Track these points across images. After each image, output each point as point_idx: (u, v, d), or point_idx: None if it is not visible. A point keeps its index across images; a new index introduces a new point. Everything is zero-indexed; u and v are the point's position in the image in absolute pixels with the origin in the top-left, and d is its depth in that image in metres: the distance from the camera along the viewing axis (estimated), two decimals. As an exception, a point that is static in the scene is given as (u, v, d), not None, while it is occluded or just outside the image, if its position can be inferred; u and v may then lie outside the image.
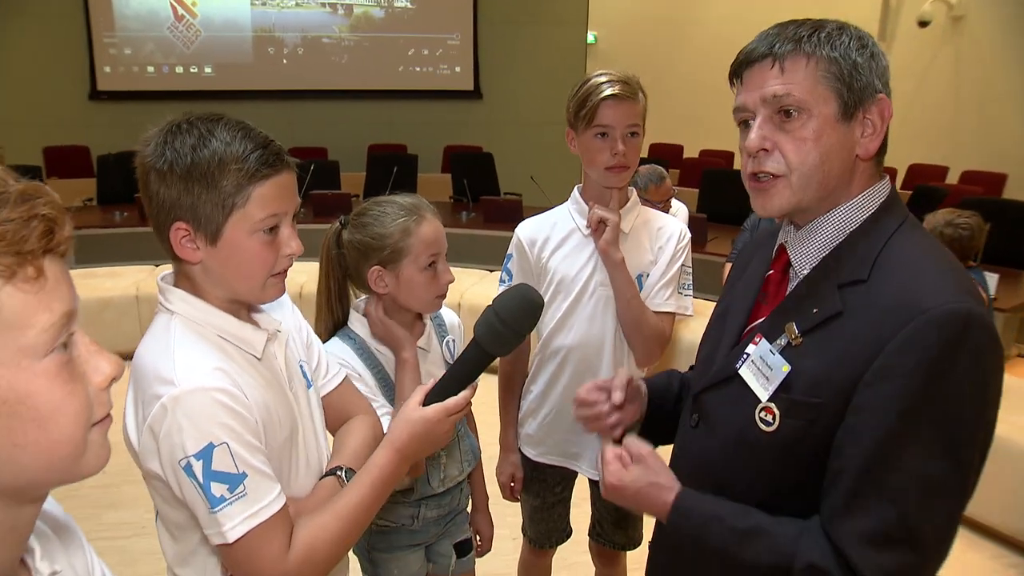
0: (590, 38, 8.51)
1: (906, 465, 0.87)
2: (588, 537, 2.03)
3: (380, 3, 7.61)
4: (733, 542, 0.97)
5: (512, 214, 5.51)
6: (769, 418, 0.99)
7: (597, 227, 1.68)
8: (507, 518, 2.16)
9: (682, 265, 1.77)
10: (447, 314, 1.67)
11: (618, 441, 1.24)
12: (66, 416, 0.57)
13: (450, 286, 1.52)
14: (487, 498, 1.81)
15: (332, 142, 7.36)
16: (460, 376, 1.11)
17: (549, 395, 1.83)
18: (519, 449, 1.92)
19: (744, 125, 1.02)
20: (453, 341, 1.64)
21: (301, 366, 1.19)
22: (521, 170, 6.41)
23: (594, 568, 2.12)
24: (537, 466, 1.90)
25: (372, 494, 1.07)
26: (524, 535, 2.03)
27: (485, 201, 5.87)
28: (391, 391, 1.50)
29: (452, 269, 1.54)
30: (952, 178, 6.71)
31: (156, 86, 7.28)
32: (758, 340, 1.03)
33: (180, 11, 7.20)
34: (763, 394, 0.99)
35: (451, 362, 1.55)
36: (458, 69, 7.89)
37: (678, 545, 1.08)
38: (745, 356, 1.04)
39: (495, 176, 6.99)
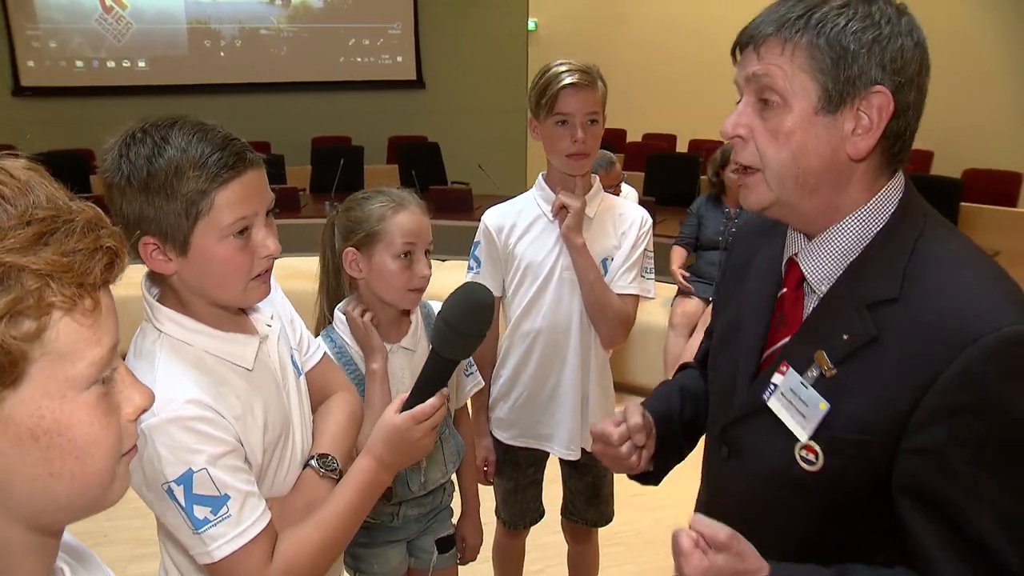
0: (530, 25, 8.53)
1: (988, 509, 0.81)
2: (560, 516, 2.09)
3: (319, -7, 7.48)
4: None
5: (461, 203, 5.51)
6: (811, 457, 0.92)
7: (560, 212, 1.73)
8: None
9: (645, 250, 1.83)
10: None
11: (642, 475, 1.20)
12: (101, 448, 0.57)
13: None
14: (479, 504, 1.78)
15: (275, 136, 7.20)
16: (426, 385, 1.09)
17: (519, 379, 1.87)
18: (491, 433, 1.96)
19: None
20: None
21: (292, 356, 1.18)
22: (468, 159, 6.41)
23: (563, 548, 2.18)
24: (509, 449, 1.94)
25: (354, 501, 1.06)
26: (498, 517, 2.07)
27: (434, 191, 5.85)
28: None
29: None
30: (883, 156, 6.97)
31: (86, 81, 6.97)
32: (785, 369, 0.95)
33: (108, 2, 6.90)
34: (802, 433, 0.92)
35: None
36: (400, 59, 7.81)
37: None
38: (772, 387, 0.96)
39: (442, 165, 6.98)
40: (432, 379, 1.09)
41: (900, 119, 0.88)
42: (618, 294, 1.77)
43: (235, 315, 1.09)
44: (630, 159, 7.41)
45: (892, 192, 0.91)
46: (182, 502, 0.95)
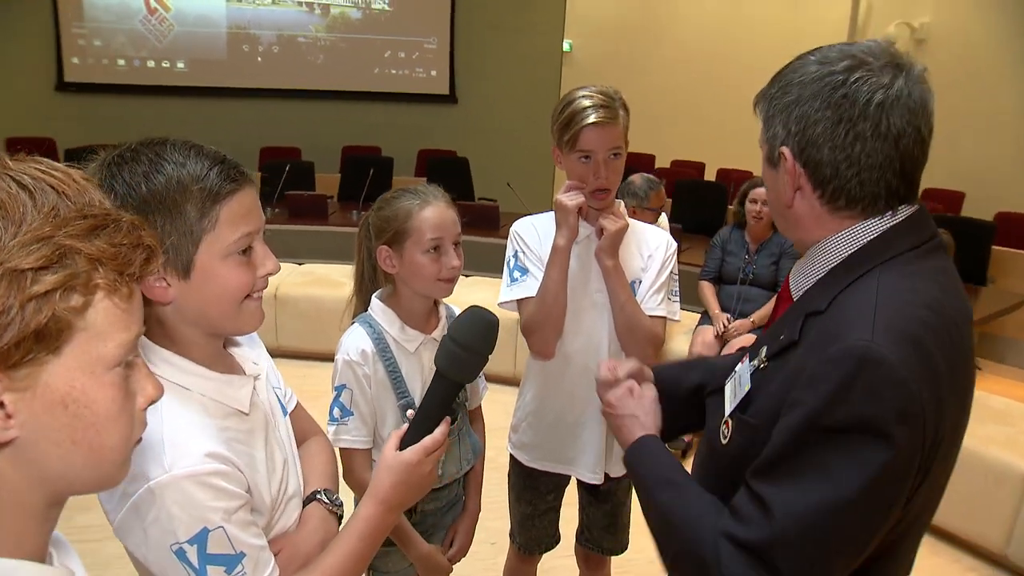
0: (565, 46, 8.58)
1: (781, 494, 0.89)
2: (575, 542, 2.06)
3: (357, 4, 7.57)
4: (653, 483, 1.07)
5: (488, 220, 5.54)
6: (726, 431, 1.05)
7: (601, 233, 1.72)
8: (486, 522, 2.16)
9: (671, 273, 1.82)
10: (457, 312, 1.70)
11: None
12: (119, 427, 0.63)
13: None
14: (479, 508, 1.76)
15: (306, 142, 7.30)
16: (432, 412, 1.07)
17: (546, 401, 1.85)
18: (511, 455, 1.95)
19: None
20: None
21: (278, 395, 1.15)
22: (496, 175, 6.43)
23: (571, 572, 2.14)
24: (531, 473, 1.92)
25: (359, 547, 1.03)
26: (512, 541, 2.05)
27: (461, 206, 5.84)
28: (401, 384, 1.53)
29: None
30: (914, 195, 6.90)
31: (126, 79, 7.14)
32: (745, 360, 1.09)
33: (153, 4, 7.08)
34: (727, 409, 1.07)
35: None
36: (434, 73, 7.89)
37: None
38: (734, 373, 1.10)
39: (470, 181, 7.02)
40: (439, 407, 1.07)
41: (823, 171, 0.96)
42: (647, 315, 1.76)
43: (224, 354, 1.04)
44: (657, 184, 7.40)
45: (869, 228, 0.98)
46: (195, 563, 0.89)
